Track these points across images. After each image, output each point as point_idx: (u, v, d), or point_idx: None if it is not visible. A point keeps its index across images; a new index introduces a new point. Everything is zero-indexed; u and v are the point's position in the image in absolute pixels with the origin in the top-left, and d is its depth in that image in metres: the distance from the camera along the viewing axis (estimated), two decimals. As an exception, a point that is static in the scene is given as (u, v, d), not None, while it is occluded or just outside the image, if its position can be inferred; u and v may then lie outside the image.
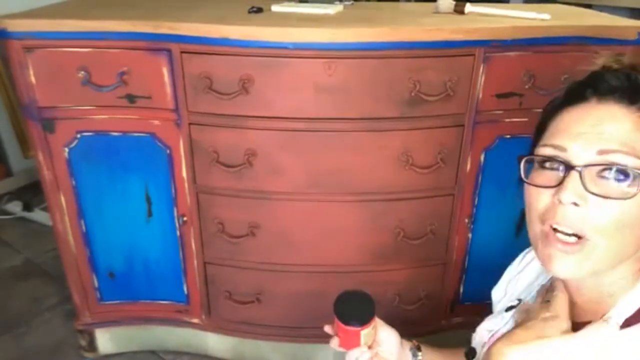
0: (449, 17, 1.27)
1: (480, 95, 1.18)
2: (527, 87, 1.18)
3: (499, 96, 1.19)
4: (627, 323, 0.57)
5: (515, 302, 0.78)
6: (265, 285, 1.37)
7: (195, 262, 1.37)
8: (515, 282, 0.81)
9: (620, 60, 0.58)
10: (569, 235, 0.57)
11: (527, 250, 0.82)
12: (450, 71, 1.13)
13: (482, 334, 0.80)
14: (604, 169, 0.55)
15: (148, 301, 1.46)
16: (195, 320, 1.47)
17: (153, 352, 1.56)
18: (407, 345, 0.89)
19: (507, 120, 1.22)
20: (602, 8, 2.28)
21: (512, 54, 1.15)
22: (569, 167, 0.56)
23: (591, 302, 0.63)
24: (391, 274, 1.36)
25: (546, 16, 1.23)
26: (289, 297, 1.37)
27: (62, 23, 1.12)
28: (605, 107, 0.57)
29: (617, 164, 0.54)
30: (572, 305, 0.65)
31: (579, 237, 0.57)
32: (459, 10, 1.31)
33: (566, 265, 0.58)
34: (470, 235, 1.35)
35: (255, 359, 1.50)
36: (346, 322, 0.78)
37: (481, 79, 1.16)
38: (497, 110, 1.20)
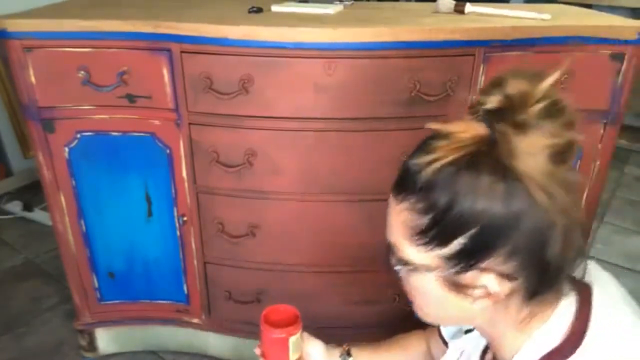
0: (449, 17, 1.27)
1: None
2: (527, 87, 1.18)
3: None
4: None
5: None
6: (265, 285, 1.37)
7: (195, 262, 1.37)
8: None
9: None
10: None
11: None
12: (450, 71, 1.13)
13: (453, 355, 0.80)
14: None
15: (148, 301, 1.46)
16: (195, 320, 1.47)
17: (153, 352, 1.56)
18: (337, 351, 0.91)
19: (507, 120, 1.22)
20: (602, 8, 2.28)
21: (512, 54, 1.15)
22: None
23: (496, 348, 0.66)
24: (391, 274, 1.36)
25: (546, 16, 1.23)
26: (289, 297, 1.37)
27: (62, 23, 1.12)
28: (389, 200, 0.62)
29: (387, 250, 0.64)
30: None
31: None
32: (459, 10, 1.31)
33: (415, 311, 0.68)
34: (470, 235, 1.35)
35: (255, 359, 1.50)
36: (274, 330, 0.83)
37: (481, 79, 1.16)
38: (497, 110, 1.20)
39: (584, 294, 0.60)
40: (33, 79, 1.16)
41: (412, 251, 0.58)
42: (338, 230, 1.28)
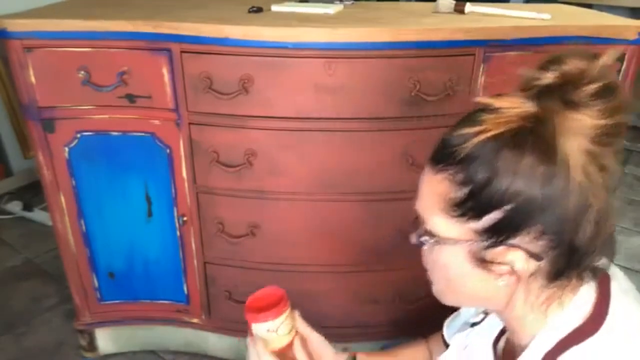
0: (449, 17, 1.27)
1: (481, 95, 1.18)
2: (527, 87, 1.18)
3: (499, 96, 1.19)
4: (546, 358, 0.58)
5: (480, 318, 0.78)
6: (265, 285, 1.37)
7: (195, 262, 1.37)
8: None
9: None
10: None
11: None
12: (450, 71, 1.13)
13: (454, 351, 0.79)
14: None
15: (148, 301, 1.46)
16: (195, 320, 1.47)
17: (153, 352, 1.56)
18: (343, 357, 0.90)
19: (507, 120, 1.22)
20: (602, 8, 2.28)
21: (512, 54, 1.15)
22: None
23: (514, 331, 0.66)
24: (391, 274, 1.36)
25: (546, 16, 1.23)
26: (289, 297, 1.37)
27: (62, 23, 1.12)
28: (425, 169, 0.62)
29: (414, 222, 0.64)
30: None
31: None
32: (459, 9, 1.31)
33: (432, 289, 0.68)
34: (470, 235, 1.35)
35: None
36: (255, 316, 0.81)
37: (481, 79, 1.16)
38: (497, 110, 1.20)
39: (603, 282, 0.60)
40: (33, 79, 1.16)
41: (443, 223, 0.58)
42: (338, 230, 1.28)
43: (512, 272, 0.57)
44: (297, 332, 0.83)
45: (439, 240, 0.59)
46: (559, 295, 0.59)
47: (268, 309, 0.81)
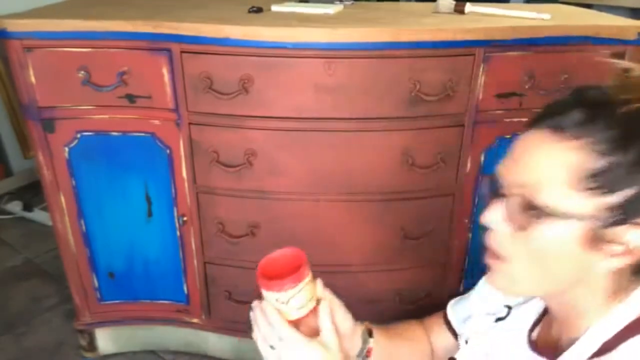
0: (449, 17, 1.27)
1: (480, 95, 1.18)
2: (527, 87, 1.18)
3: (499, 96, 1.19)
4: (605, 347, 0.56)
5: (504, 312, 0.75)
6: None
7: (195, 262, 1.37)
8: None
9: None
10: (493, 253, 0.59)
11: None
12: (450, 71, 1.13)
13: (478, 343, 0.77)
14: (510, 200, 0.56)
15: (148, 301, 1.46)
16: (195, 320, 1.47)
17: (153, 352, 1.56)
18: (360, 329, 0.84)
19: (507, 120, 1.22)
20: (602, 8, 2.28)
21: (512, 54, 1.15)
22: (495, 192, 0.58)
23: (566, 322, 0.63)
24: (391, 274, 1.36)
25: (546, 16, 1.23)
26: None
27: (62, 23, 1.12)
28: (535, 135, 0.55)
29: (516, 198, 0.55)
30: (554, 321, 0.66)
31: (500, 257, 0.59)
32: (459, 10, 1.31)
33: (492, 279, 0.61)
34: (469, 235, 1.35)
35: (255, 359, 1.50)
36: (269, 284, 0.71)
37: (481, 79, 1.16)
38: (497, 110, 1.21)
39: None
40: (33, 79, 1.16)
41: (567, 196, 0.51)
42: (338, 230, 1.28)
43: (626, 252, 0.52)
44: (318, 300, 0.75)
45: (557, 215, 0.52)
46: (630, 289, 0.57)
47: (285, 274, 0.72)
